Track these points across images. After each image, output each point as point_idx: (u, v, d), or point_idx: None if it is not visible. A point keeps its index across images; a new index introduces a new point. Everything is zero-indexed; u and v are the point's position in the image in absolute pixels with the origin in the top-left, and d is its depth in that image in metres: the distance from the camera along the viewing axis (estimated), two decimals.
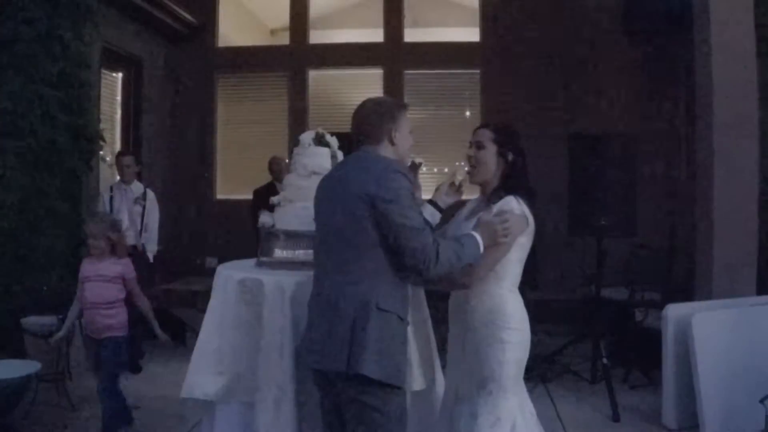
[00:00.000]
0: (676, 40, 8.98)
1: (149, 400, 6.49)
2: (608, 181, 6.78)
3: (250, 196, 9.27)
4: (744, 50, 6.45)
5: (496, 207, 3.65)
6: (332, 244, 3.36)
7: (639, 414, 6.23)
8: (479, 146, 3.78)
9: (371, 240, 3.21)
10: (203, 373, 4.20)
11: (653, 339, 6.27)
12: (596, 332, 6.90)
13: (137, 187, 7.97)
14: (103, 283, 5.43)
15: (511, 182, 3.74)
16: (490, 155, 3.75)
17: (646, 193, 8.84)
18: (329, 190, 3.45)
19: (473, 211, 3.86)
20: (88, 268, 5.45)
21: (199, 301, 9.48)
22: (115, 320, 5.39)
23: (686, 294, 7.12)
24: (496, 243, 3.46)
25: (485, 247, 3.41)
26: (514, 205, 3.62)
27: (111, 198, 7.76)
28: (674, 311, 5.95)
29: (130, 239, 7.46)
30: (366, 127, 3.48)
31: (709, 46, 6.46)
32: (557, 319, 8.40)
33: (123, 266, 5.51)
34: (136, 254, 7.27)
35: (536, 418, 3.78)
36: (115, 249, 5.51)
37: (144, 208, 7.85)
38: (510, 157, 3.75)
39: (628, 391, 6.79)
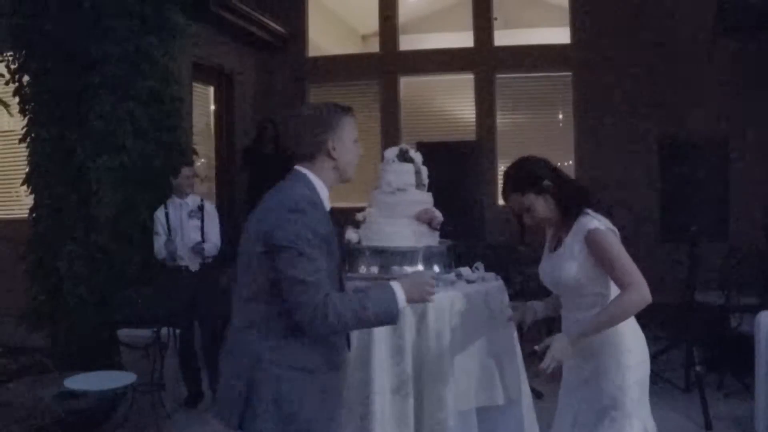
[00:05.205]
0: None
1: None
2: (700, 185, 6.62)
3: None
4: None
5: (578, 227, 3.41)
6: (239, 278, 3.02)
7: (732, 422, 6.09)
8: (527, 210, 3.51)
9: (262, 283, 2.88)
10: None
11: (748, 344, 6.07)
12: (690, 338, 6.73)
13: (194, 199, 7.08)
14: None
15: (569, 203, 3.49)
16: (538, 206, 3.49)
17: (739, 197, 8.58)
18: (252, 215, 3.01)
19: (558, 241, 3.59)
20: None
21: None
22: None
23: None
24: (423, 300, 3.09)
25: (410, 300, 2.98)
26: (595, 223, 3.39)
27: (167, 215, 6.93)
28: (767, 317, 5.76)
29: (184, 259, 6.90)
30: (296, 142, 3.06)
31: None
32: (650, 325, 8.23)
33: None
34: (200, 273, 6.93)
35: None
36: None
37: (202, 221, 6.99)
38: (545, 184, 3.47)
39: (722, 399, 6.64)
